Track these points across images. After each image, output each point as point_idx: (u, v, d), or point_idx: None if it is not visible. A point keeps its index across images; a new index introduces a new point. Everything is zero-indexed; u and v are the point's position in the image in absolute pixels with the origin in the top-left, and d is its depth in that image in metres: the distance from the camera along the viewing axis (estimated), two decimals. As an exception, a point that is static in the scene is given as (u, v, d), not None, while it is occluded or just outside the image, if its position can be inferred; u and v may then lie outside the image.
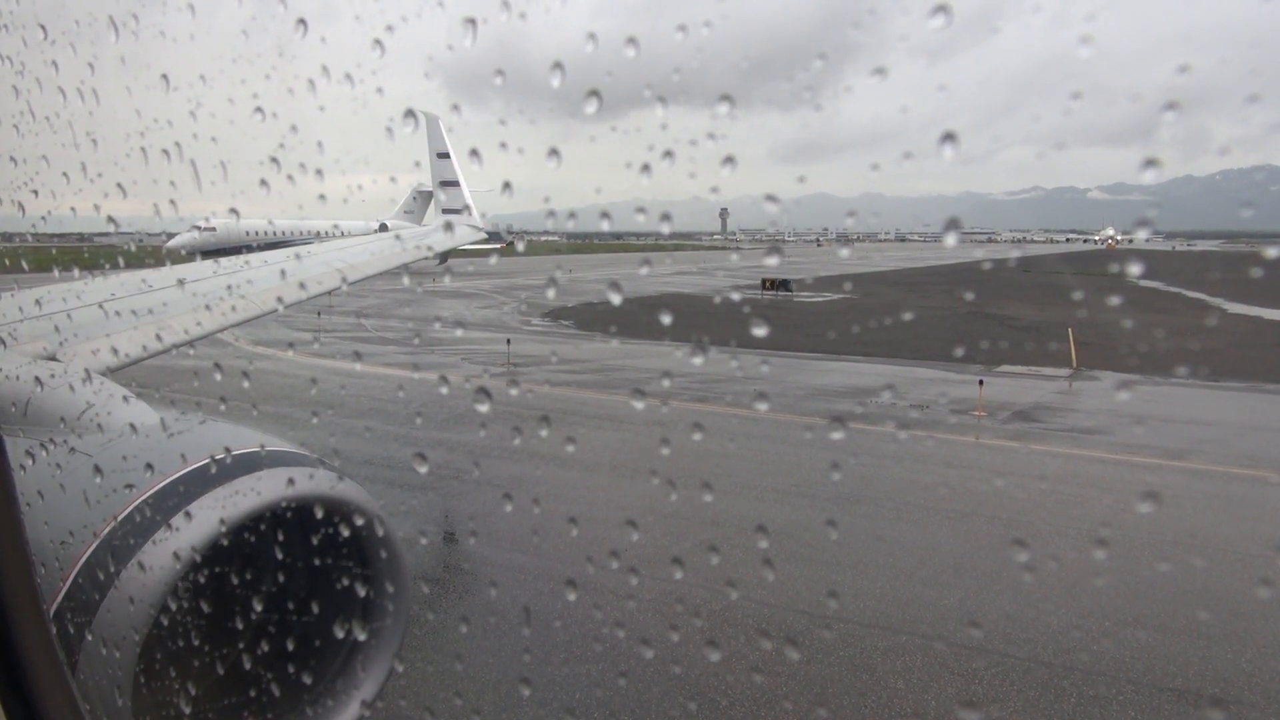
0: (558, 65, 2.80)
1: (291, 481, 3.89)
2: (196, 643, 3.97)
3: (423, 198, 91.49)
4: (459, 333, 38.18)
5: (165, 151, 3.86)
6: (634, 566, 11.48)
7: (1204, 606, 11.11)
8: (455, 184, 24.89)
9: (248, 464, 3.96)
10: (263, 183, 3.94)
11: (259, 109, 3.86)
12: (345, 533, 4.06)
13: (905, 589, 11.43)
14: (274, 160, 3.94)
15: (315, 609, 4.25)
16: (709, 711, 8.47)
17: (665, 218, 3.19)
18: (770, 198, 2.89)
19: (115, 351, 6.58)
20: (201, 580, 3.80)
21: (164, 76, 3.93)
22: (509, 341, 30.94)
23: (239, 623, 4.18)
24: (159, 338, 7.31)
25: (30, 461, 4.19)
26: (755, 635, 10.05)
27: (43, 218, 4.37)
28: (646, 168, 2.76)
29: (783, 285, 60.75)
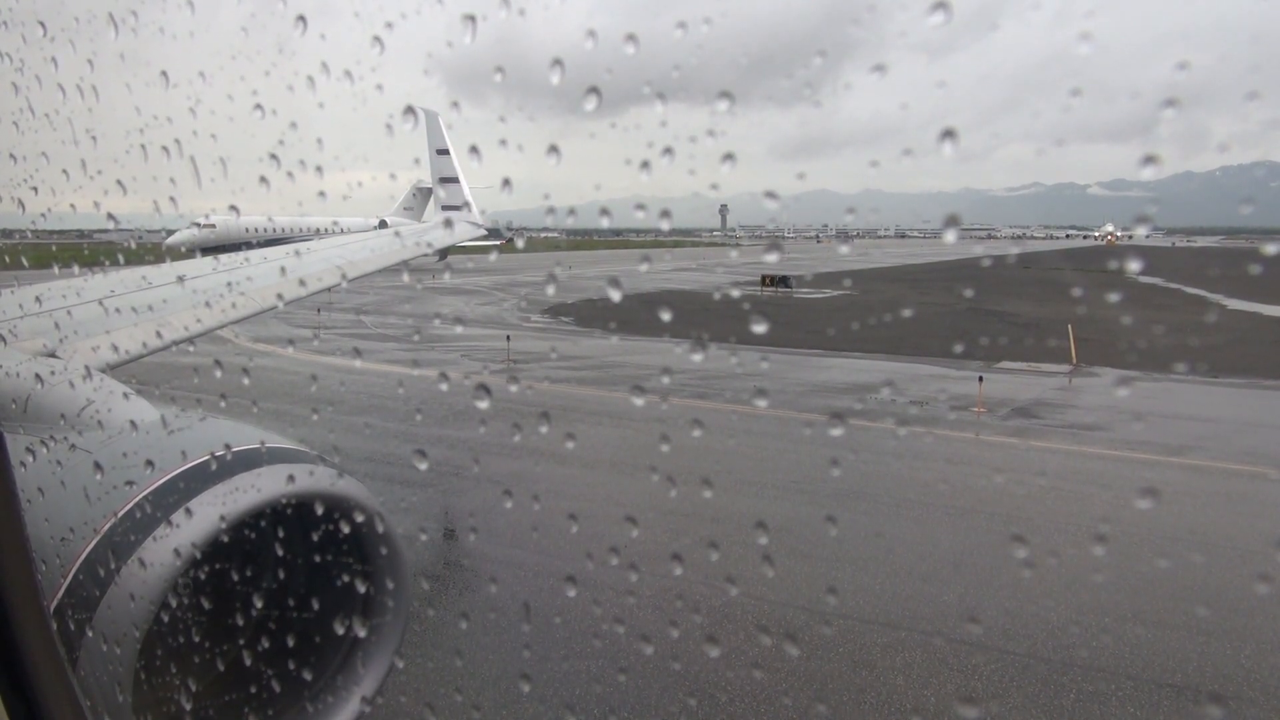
0: (557, 62, 2.80)
1: (292, 478, 3.90)
2: (197, 639, 3.98)
3: (422, 194, 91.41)
4: (459, 329, 38.18)
5: (165, 148, 3.86)
6: (634, 563, 11.49)
7: (1203, 602, 11.12)
8: (455, 180, 24.87)
9: (248, 461, 3.96)
10: (262, 180, 3.94)
11: (259, 106, 3.86)
12: (345, 529, 4.06)
13: (905, 585, 11.45)
14: (274, 157, 3.94)
15: (315, 605, 4.26)
16: (708, 707, 8.49)
17: (665, 214, 3.19)
18: (770, 194, 2.89)
19: (115, 348, 6.58)
20: (202, 577, 3.81)
21: (163, 73, 3.93)
22: (509, 338, 30.94)
23: (239, 619, 4.18)
24: (159, 334, 7.31)
25: (31, 458, 4.20)
26: (755, 631, 10.06)
27: (42, 214, 4.37)
28: (646, 164, 2.76)
29: (782, 282, 60.73)
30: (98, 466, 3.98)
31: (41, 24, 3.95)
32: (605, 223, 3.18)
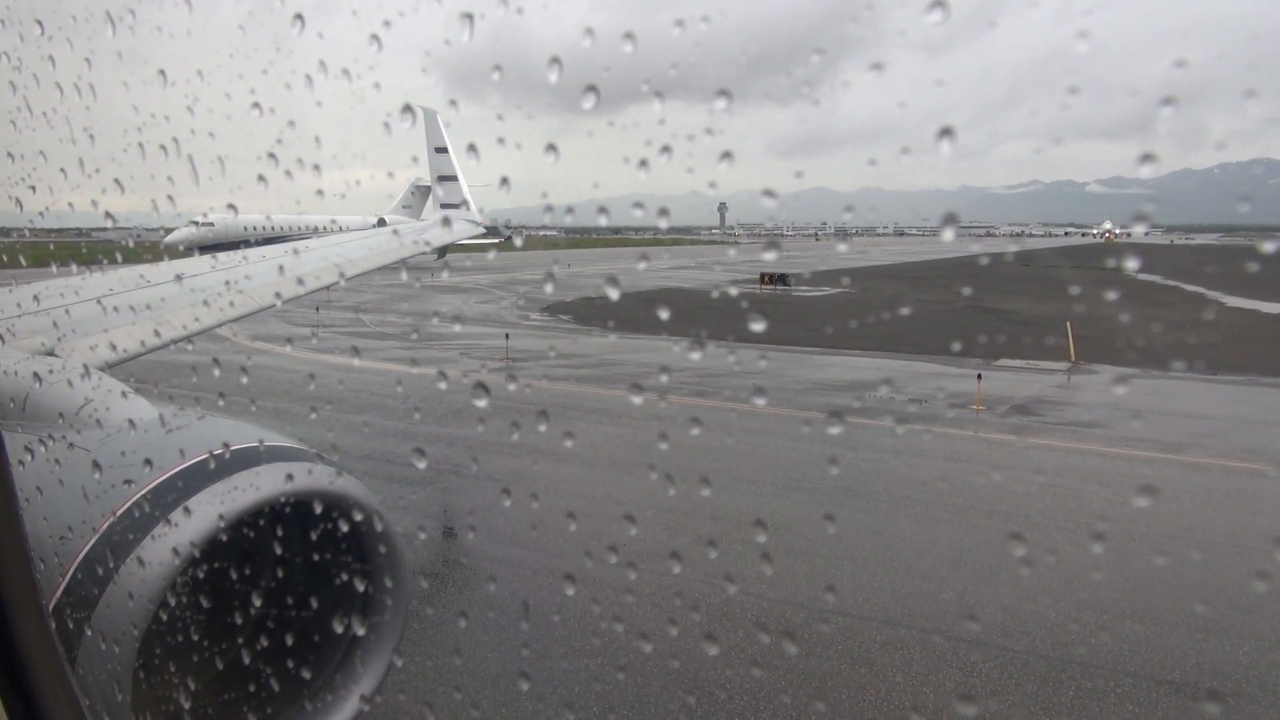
0: (555, 60, 2.80)
1: (290, 477, 3.90)
2: (196, 638, 3.98)
3: (421, 192, 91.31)
4: (457, 328, 38.17)
5: (163, 147, 3.86)
6: (632, 561, 11.50)
7: (1202, 599, 11.14)
8: (453, 179, 24.88)
9: (246, 459, 3.96)
10: (260, 178, 3.94)
11: (256, 104, 3.86)
12: (344, 528, 4.06)
13: (904, 583, 11.46)
14: (271, 156, 3.94)
15: (314, 604, 4.26)
16: (707, 705, 8.49)
17: (663, 213, 3.19)
18: (768, 193, 2.89)
19: (114, 347, 6.58)
20: (201, 575, 3.81)
21: (161, 72, 3.92)
22: (508, 336, 30.94)
23: (238, 618, 4.18)
24: (157, 333, 7.31)
25: (29, 457, 4.20)
26: (753, 630, 10.07)
27: (40, 213, 4.37)
28: (644, 163, 2.76)
29: (781, 280, 60.73)
30: (96, 465, 3.98)
31: (39, 22, 3.95)
32: (603, 221, 3.18)
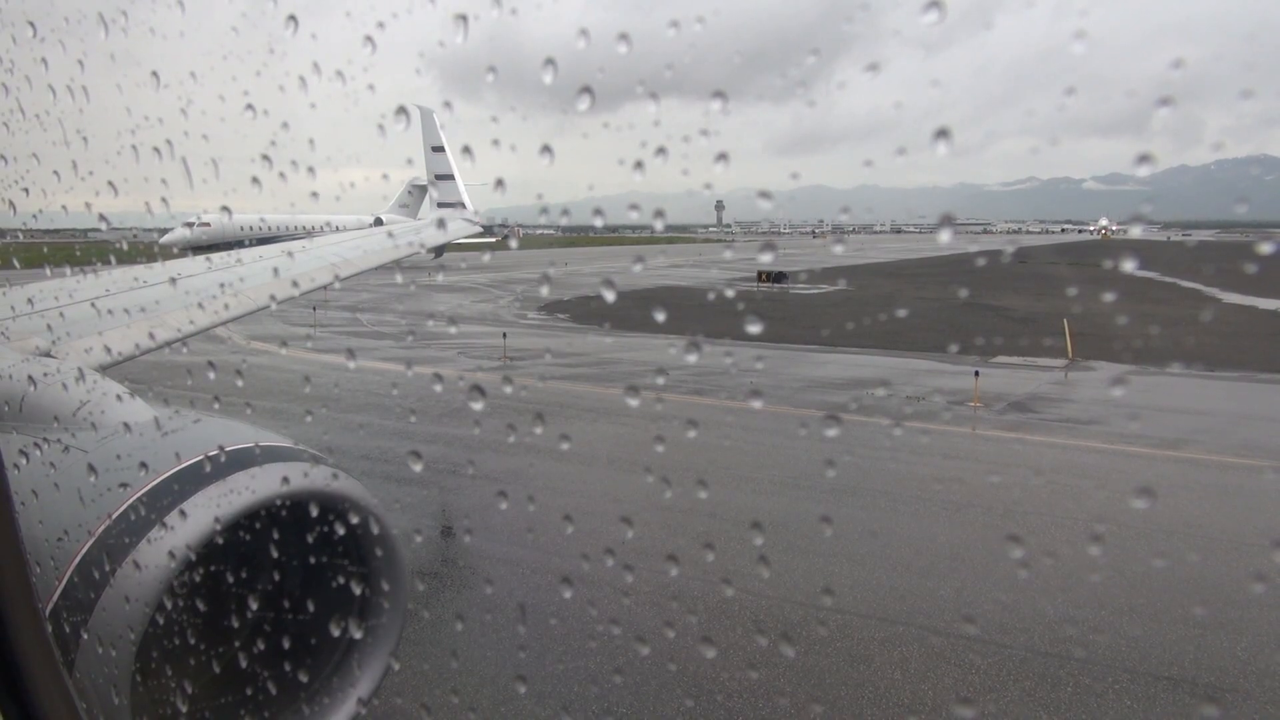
0: (550, 61, 2.79)
1: (286, 479, 3.88)
2: (193, 641, 3.97)
3: (418, 192, 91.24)
4: (453, 330, 38.15)
5: (156, 149, 3.84)
6: (629, 564, 11.49)
7: (1199, 595, 11.16)
8: (450, 177, 24.90)
9: (242, 461, 3.95)
10: (254, 180, 3.92)
11: (250, 106, 3.84)
12: (341, 530, 4.05)
13: (902, 580, 11.46)
14: (266, 158, 3.93)
15: (311, 607, 4.25)
16: (705, 707, 8.49)
17: (659, 214, 3.19)
18: (764, 194, 2.88)
19: (108, 349, 6.56)
20: (197, 578, 3.80)
21: (154, 74, 3.91)
22: (505, 335, 30.93)
23: (235, 621, 4.17)
24: (152, 335, 7.29)
25: (25, 460, 4.18)
26: (751, 631, 10.07)
27: (34, 215, 4.35)
28: (640, 164, 2.75)
29: (779, 277, 60.83)
30: (92, 468, 3.97)
31: (31, 24, 3.93)
32: (599, 222, 3.18)
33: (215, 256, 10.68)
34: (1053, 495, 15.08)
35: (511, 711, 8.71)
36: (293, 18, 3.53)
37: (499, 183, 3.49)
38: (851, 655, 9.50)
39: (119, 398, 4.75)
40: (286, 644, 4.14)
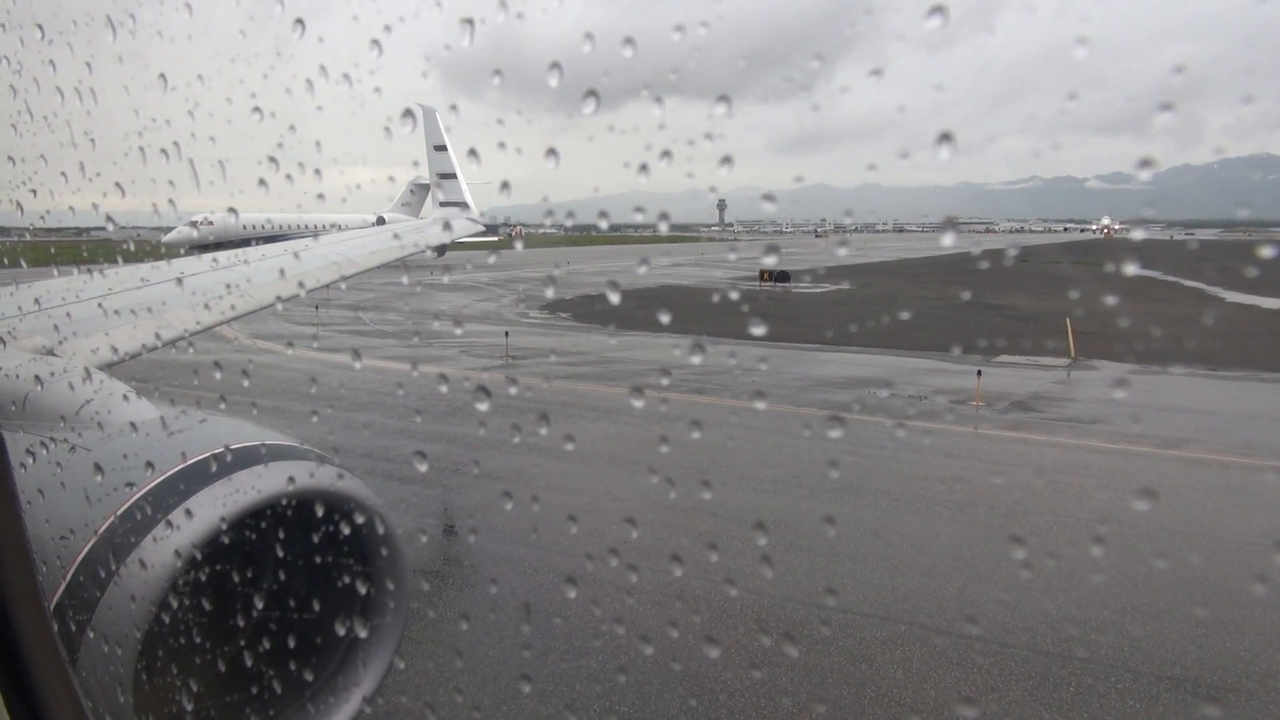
0: (555, 65, 2.80)
1: (292, 478, 3.90)
2: (198, 639, 3.98)
3: (420, 190, 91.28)
4: (459, 332, 38.17)
5: (163, 151, 3.86)
6: (632, 563, 11.51)
7: (1202, 595, 11.16)
8: (452, 176, 24.89)
9: (247, 460, 3.96)
10: (261, 182, 3.94)
11: (257, 108, 3.86)
12: (346, 529, 4.07)
13: (904, 579, 11.47)
14: (272, 159, 3.94)
15: (316, 606, 4.26)
16: (709, 707, 8.50)
17: (663, 216, 3.20)
18: (767, 197, 2.90)
19: (115, 349, 6.58)
20: (202, 577, 3.82)
21: (162, 76, 3.93)
22: (507, 334, 30.96)
23: (240, 619, 4.19)
24: (158, 334, 7.31)
25: (31, 460, 4.20)
26: (755, 631, 10.08)
27: (41, 217, 4.37)
28: (644, 167, 2.76)
29: (781, 277, 60.81)
30: (98, 468, 3.98)
31: (40, 27, 3.95)
32: (604, 224, 3.19)
33: (221, 255, 10.71)
34: (1055, 494, 15.08)
35: (515, 710, 8.73)
36: (300, 21, 3.54)
37: (504, 185, 3.51)
38: (854, 654, 9.51)
39: (125, 397, 4.76)
40: (291, 643, 4.16)
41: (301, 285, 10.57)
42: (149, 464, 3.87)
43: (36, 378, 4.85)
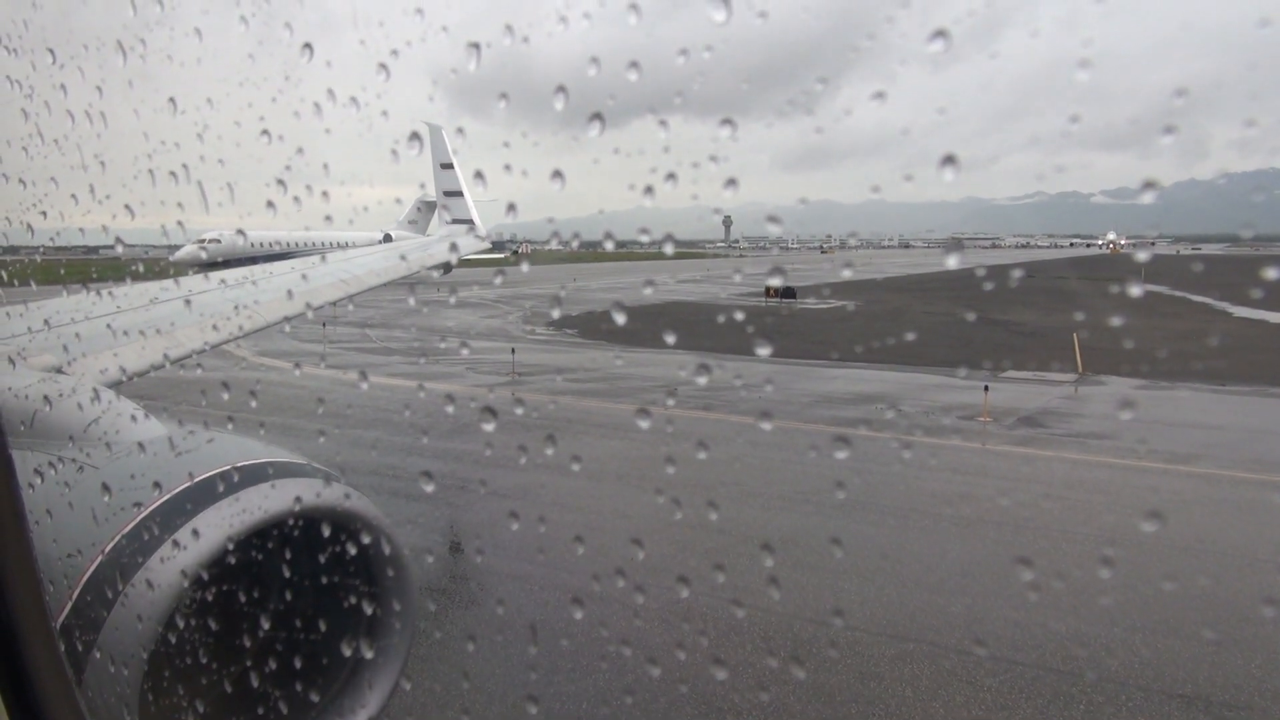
0: (561, 88, 2.82)
1: (299, 497, 3.90)
2: (203, 660, 3.97)
3: (427, 208, 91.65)
4: (465, 352, 38.22)
5: (173, 173, 3.89)
6: (640, 584, 11.47)
7: (1212, 612, 11.07)
8: (459, 194, 25.02)
9: (254, 479, 3.96)
10: (269, 204, 3.97)
11: (265, 131, 3.89)
12: (353, 549, 4.06)
13: (912, 597, 11.41)
14: (280, 182, 3.97)
15: (322, 626, 4.25)
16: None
17: (669, 238, 3.21)
18: (772, 218, 2.91)
19: (123, 368, 6.61)
20: (208, 597, 3.81)
21: (171, 99, 3.97)
22: (514, 351, 31.00)
23: (246, 640, 4.18)
24: (166, 354, 7.34)
25: (39, 479, 4.21)
26: (762, 652, 10.02)
27: (52, 238, 4.40)
28: (650, 190, 2.78)
29: (787, 293, 60.85)
30: (105, 487, 3.99)
31: (51, 51, 3.99)
32: (609, 246, 3.20)
33: (228, 275, 10.76)
34: (1063, 511, 15.00)
35: (521, 730, 8.69)
36: (308, 45, 3.58)
37: (510, 207, 3.53)
38: (862, 673, 9.45)
39: (133, 416, 4.78)
40: (297, 663, 4.15)
41: (308, 304, 10.60)
42: (156, 483, 3.87)
43: (45, 397, 4.87)
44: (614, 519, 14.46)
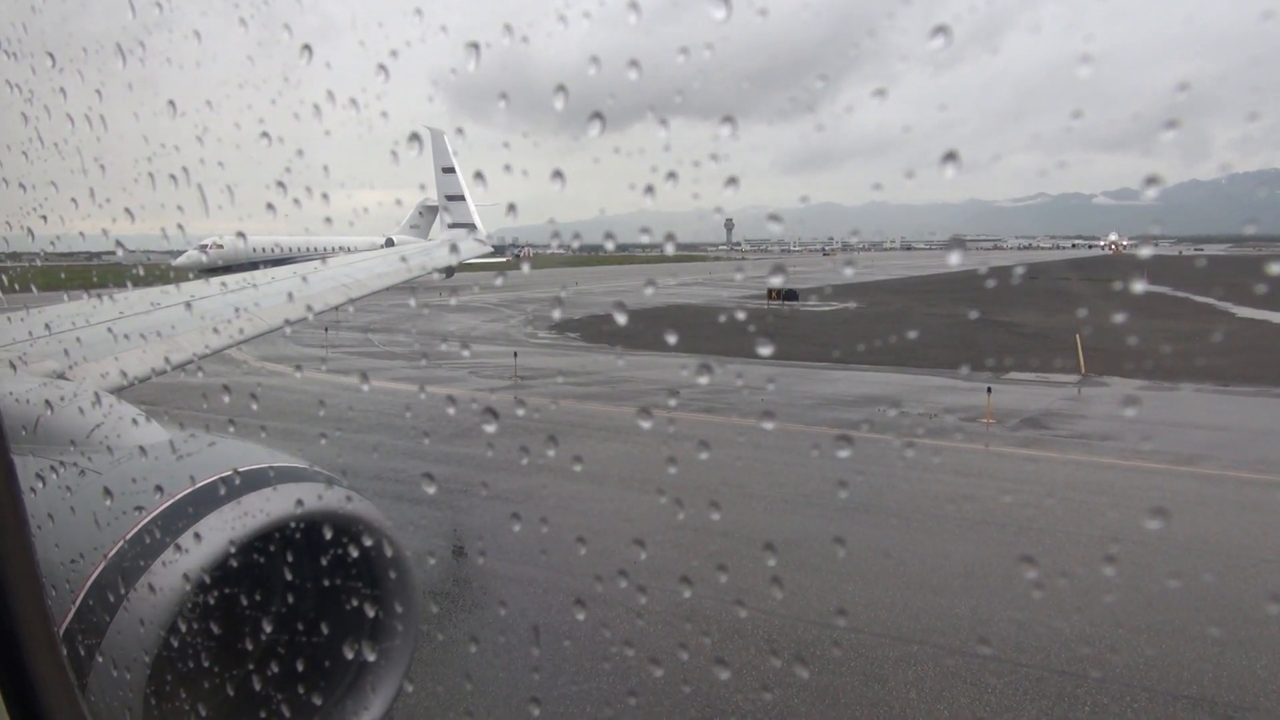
0: (560, 88, 2.82)
1: (300, 501, 3.89)
2: (206, 664, 3.97)
3: (429, 212, 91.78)
4: (466, 354, 38.22)
5: (173, 176, 3.89)
6: (642, 585, 11.45)
7: (1216, 612, 11.04)
8: (460, 198, 25.06)
9: (256, 483, 3.96)
10: (269, 206, 3.96)
11: (265, 134, 3.89)
12: (355, 552, 4.06)
13: (916, 598, 11.38)
14: (280, 184, 3.97)
15: (325, 629, 4.25)
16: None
17: (670, 238, 3.21)
18: (774, 217, 2.90)
19: (124, 373, 6.61)
20: (210, 601, 3.81)
21: (171, 102, 3.97)
22: (516, 355, 31.00)
23: (249, 643, 4.18)
24: (167, 358, 7.34)
25: (41, 484, 4.21)
26: (765, 652, 10.01)
27: (52, 242, 4.40)
28: (650, 189, 2.77)
29: (789, 295, 60.83)
30: (107, 491, 3.98)
31: (50, 55, 3.99)
32: (611, 245, 3.20)
33: (229, 279, 10.76)
34: (1067, 512, 14.97)
35: (524, 733, 8.67)
36: (307, 47, 3.57)
37: (511, 207, 3.53)
38: (866, 675, 9.43)
39: (134, 421, 4.77)
40: (299, 666, 4.14)
41: (310, 308, 10.61)
42: (158, 487, 3.87)
43: (47, 402, 4.87)
44: (616, 520, 14.45)
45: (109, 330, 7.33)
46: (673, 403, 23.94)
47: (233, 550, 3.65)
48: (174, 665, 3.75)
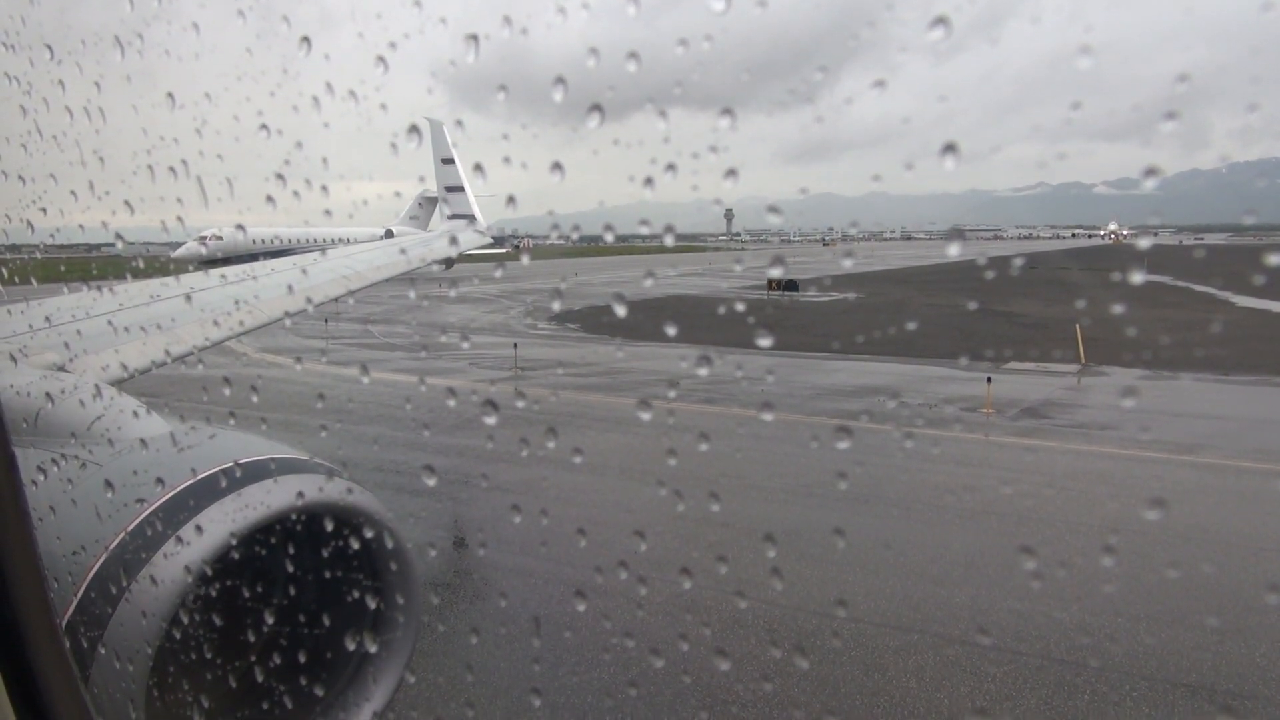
0: (560, 79, 2.81)
1: (301, 493, 3.90)
2: (209, 655, 3.98)
3: (428, 203, 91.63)
4: (466, 345, 38.22)
5: (172, 169, 3.89)
6: (642, 576, 11.48)
7: (1215, 602, 11.07)
8: (460, 190, 25.05)
9: (257, 475, 3.96)
10: (269, 198, 3.96)
11: (264, 126, 3.88)
12: (356, 543, 4.06)
13: (916, 588, 11.41)
14: (279, 176, 3.96)
15: (326, 620, 4.26)
16: (720, 718, 8.47)
17: (669, 229, 3.20)
18: (773, 209, 2.90)
19: (125, 365, 6.61)
20: (212, 593, 3.82)
21: (170, 94, 3.96)
22: (516, 346, 30.99)
23: (251, 635, 4.19)
24: (167, 351, 7.34)
25: (42, 477, 4.21)
26: (766, 643, 10.04)
27: (51, 235, 4.40)
28: (649, 181, 2.77)
29: (789, 285, 60.75)
30: (108, 484, 3.99)
31: (49, 47, 3.98)
32: (610, 237, 3.19)
33: (229, 271, 10.75)
34: (1067, 502, 14.99)
35: (526, 723, 8.70)
36: (306, 39, 3.56)
37: (510, 199, 3.52)
38: (866, 664, 9.46)
39: (135, 413, 4.78)
40: (301, 658, 4.15)
41: (309, 300, 10.61)
42: (159, 480, 3.87)
43: (47, 394, 4.87)
44: (616, 512, 14.47)
45: (109, 322, 7.33)
46: (672, 394, 23.94)
47: (234, 542, 3.66)
48: (176, 657, 3.76)
